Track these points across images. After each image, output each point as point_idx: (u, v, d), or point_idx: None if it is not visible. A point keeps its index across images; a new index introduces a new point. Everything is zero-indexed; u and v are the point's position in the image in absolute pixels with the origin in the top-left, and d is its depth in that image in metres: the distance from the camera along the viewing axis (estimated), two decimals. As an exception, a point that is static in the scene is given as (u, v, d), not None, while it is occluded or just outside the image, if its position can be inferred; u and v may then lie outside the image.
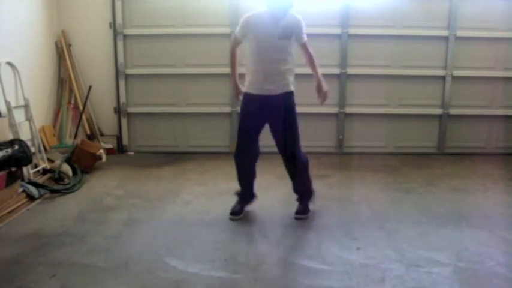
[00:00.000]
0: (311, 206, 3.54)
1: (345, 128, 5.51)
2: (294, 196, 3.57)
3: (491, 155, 5.42)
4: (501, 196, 4.03)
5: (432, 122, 5.53)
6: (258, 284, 2.54)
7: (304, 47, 3.34)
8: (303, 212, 3.47)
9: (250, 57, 3.29)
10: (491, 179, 4.54)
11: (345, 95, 5.42)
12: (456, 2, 5.19)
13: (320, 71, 3.33)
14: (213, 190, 4.13)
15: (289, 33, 3.18)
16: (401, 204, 3.84)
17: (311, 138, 5.40)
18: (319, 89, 3.29)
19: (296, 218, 3.43)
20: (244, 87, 3.36)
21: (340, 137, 5.51)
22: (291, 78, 3.30)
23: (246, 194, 3.54)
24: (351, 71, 5.37)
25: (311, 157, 5.20)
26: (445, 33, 5.28)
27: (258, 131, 3.38)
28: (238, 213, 3.44)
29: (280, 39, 3.16)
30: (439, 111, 5.48)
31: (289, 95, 3.29)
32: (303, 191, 3.53)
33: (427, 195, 4.06)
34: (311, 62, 3.36)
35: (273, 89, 3.22)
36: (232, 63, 3.42)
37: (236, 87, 3.47)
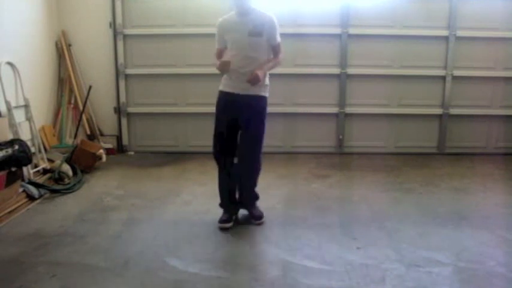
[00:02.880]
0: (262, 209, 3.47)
1: (345, 128, 5.51)
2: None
3: (491, 155, 5.41)
4: (501, 196, 4.03)
5: (432, 122, 5.53)
6: (258, 284, 2.54)
7: (276, 49, 3.22)
8: (261, 216, 3.39)
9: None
10: (491, 179, 4.54)
11: (345, 95, 5.42)
12: (456, 2, 5.19)
13: (270, 67, 3.18)
14: (213, 190, 4.09)
15: (260, 30, 3.10)
16: (401, 204, 3.84)
17: (311, 138, 5.42)
18: (256, 68, 3.09)
19: (258, 224, 3.34)
20: (220, 86, 3.32)
21: (340, 137, 5.51)
22: (265, 82, 3.22)
23: (228, 203, 3.41)
24: (351, 71, 5.37)
25: (311, 157, 5.29)
26: (445, 33, 5.28)
27: (233, 129, 3.28)
28: (228, 221, 3.31)
29: (250, 36, 3.10)
30: (439, 111, 5.48)
31: (260, 99, 3.23)
32: (254, 196, 3.45)
33: (427, 195, 4.06)
34: (273, 59, 3.22)
35: (245, 87, 3.14)
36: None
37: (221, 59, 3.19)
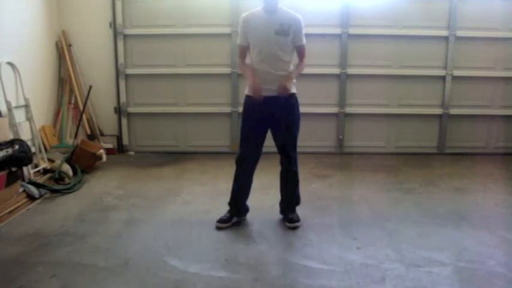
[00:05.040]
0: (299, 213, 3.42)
1: (345, 128, 5.51)
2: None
3: (491, 155, 5.42)
4: (501, 196, 4.03)
5: (432, 122, 5.53)
6: (258, 284, 2.54)
7: (300, 50, 3.22)
8: (297, 220, 3.33)
9: (250, 59, 3.23)
10: (491, 179, 4.54)
11: (345, 95, 5.43)
12: (456, 2, 5.20)
13: (296, 74, 3.21)
14: (213, 190, 4.13)
15: (287, 30, 3.08)
16: (401, 204, 3.84)
17: (311, 138, 5.42)
18: (283, 80, 3.09)
19: (291, 227, 3.26)
20: (246, 90, 3.25)
21: (340, 137, 5.52)
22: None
23: (239, 206, 3.36)
24: (351, 71, 5.37)
25: (311, 157, 5.29)
26: (445, 33, 5.28)
27: (261, 136, 3.26)
28: (225, 222, 3.28)
29: (277, 35, 3.06)
30: (439, 111, 5.49)
31: (290, 97, 3.18)
32: (297, 198, 3.41)
33: (427, 195, 4.06)
34: (298, 66, 3.25)
35: (273, 89, 3.09)
36: (244, 70, 3.26)
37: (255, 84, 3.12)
